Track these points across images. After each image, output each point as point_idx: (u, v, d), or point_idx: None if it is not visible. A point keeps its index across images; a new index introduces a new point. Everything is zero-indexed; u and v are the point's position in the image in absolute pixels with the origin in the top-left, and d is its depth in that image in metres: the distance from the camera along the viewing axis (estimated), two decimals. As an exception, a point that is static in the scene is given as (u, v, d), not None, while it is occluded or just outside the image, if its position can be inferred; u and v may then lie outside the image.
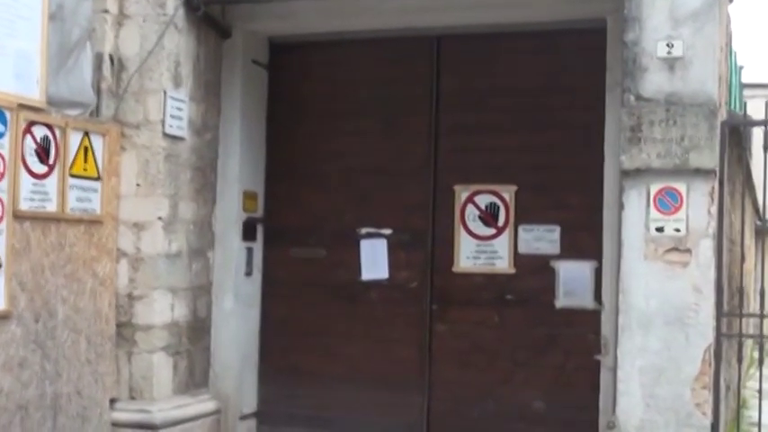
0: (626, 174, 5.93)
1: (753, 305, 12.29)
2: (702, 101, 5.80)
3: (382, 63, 7.59)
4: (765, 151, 6.11)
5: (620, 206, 5.97)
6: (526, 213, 7.17)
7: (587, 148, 6.86)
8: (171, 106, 6.85)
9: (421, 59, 7.47)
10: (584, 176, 6.89)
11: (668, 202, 5.83)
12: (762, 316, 6.05)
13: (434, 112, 7.42)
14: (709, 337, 5.78)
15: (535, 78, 7.19)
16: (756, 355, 8.34)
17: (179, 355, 7.03)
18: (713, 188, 5.79)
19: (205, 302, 7.37)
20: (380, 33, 7.50)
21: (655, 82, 5.90)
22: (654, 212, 5.86)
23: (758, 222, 14.63)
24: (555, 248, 7.08)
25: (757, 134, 6.67)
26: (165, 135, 6.82)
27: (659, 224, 5.84)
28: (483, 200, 7.29)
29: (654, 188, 5.86)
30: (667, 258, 5.81)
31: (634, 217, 5.90)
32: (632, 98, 5.92)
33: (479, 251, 7.27)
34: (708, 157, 5.76)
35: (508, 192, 7.22)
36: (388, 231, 7.47)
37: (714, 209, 5.80)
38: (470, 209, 7.30)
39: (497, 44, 7.32)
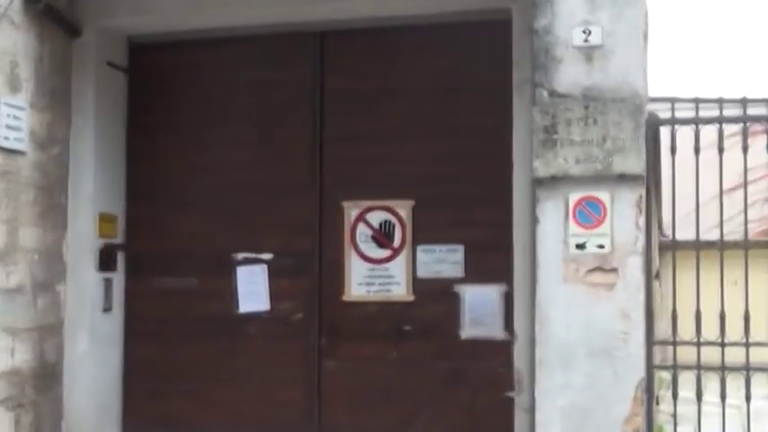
0: (540, 182, 5.09)
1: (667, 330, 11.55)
2: (626, 95, 5.00)
3: (259, 64, 6.66)
4: (697, 154, 5.33)
5: (534, 220, 5.13)
6: (425, 232, 6.32)
7: (495, 156, 6.03)
8: (6, 115, 5.82)
9: (302, 59, 6.57)
10: (491, 188, 6.07)
11: (589, 214, 5.01)
12: (699, 344, 5.25)
13: (319, 118, 6.51)
14: (641, 370, 4.97)
15: (433, 78, 6.34)
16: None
17: (22, 409, 5.96)
18: (641, 197, 4.99)
19: (55, 344, 6.31)
20: (256, 30, 6.57)
21: (571, 75, 5.08)
22: (573, 226, 5.03)
23: (662, 237, 13.99)
24: (459, 271, 6.24)
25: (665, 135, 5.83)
26: (0, 149, 5.76)
27: (580, 240, 5.01)
28: (376, 217, 6.40)
29: (573, 198, 5.04)
30: (590, 280, 4.99)
31: (550, 232, 5.07)
32: (545, 94, 5.09)
33: (373, 276, 6.37)
34: (634, 161, 4.95)
35: (404, 208, 6.34)
36: (268, 256, 6.52)
37: (642, 221, 4.99)
38: (362, 228, 6.41)
39: (390, 40, 6.47)
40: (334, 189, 6.44)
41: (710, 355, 5.23)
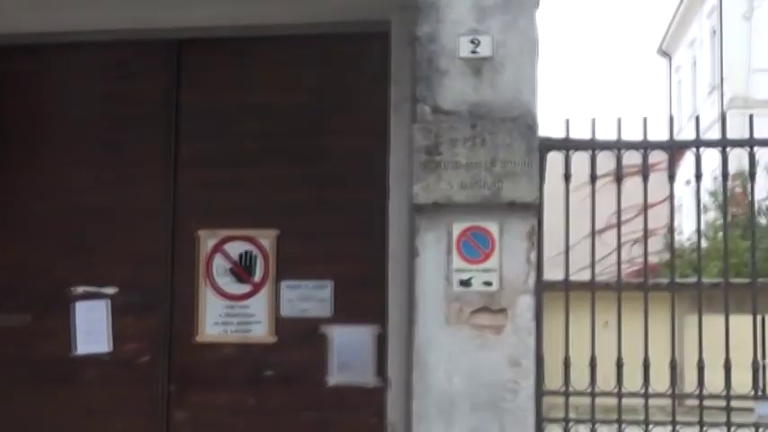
0: (420, 210, 4.49)
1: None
2: (517, 114, 4.46)
3: (108, 73, 5.90)
4: (593, 182, 4.83)
5: (413, 253, 4.53)
6: (290, 265, 5.63)
7: (369, 182, 5.42)
8: None
9: (157, 70, 5.83)
10: (365, 217, 5.45)
11: (476, 246, 4.44)
12: (593, 394, 4.71)
13: (174, 136, 5.78)
14: (530, 425, 4.38)
15: (303, 95, 5.69)
16: None
17: None
18: (533, 228, 4.45)
19: None
20: (105, 35, 5.80)
21: (457, 90, 4.52)
22: (457, 261, 4.45)
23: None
24: (326, 310, 5.56)
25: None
26: None
27: (465, 276, 4.43)
28: (235, 248, 5.70)
29: (457, 228, 4.46)
30: (476, 322, 4.41)
31: (431, 267, 4.47)
32: (428, 110, 4.51)
33: (230, 315, 5.66)
34: (526, 188, 4.41)
35: (267, 238, 5.65)
36: (111, 290, 5.73)
37: (534, 256, 4.44)
38: (219, 260, 5.69)
39: (255, 51, 5.80)
40: (188, 216, 5.71)
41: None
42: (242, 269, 5.68)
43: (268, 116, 5.70)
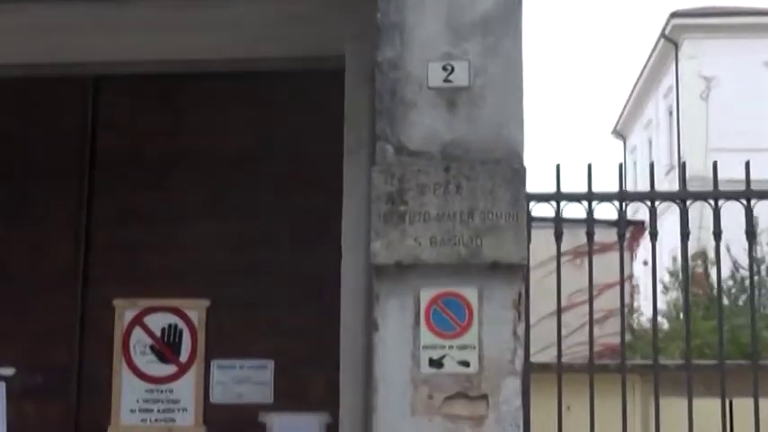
0: (381, 272, 3.63)
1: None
2: (501, 155, 3.64)
3: (10, 114, 5.00)
4: (558, 240, 4.03)
5: (371, 325, 3.65)
6: (223, 342, 4.74)
7: (319, 242, 4.60)
8: None
9: (68, 111, 4.96)
10: (313, 283, 4.60)
11: (449, 317, 3.59)
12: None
13: (88, 188, 4.90)
14: None
15: (241, 141, 4.86)
16: None
17: None
18: (520, 294, 3.59)
19: None
20: (7, 69, 4.93)
21: (426, 125, 3.69)
22: (427, 335, 3.58)
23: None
24: (267, 395, 4.67)
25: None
26: None
27: (436, 354, 3.56)
28: (158, 321, 4.80)
29: (426, 295, 3.60)
30: (450, 411, 3.53)
31: (394, 343, 3.60)
32: (390, 151, 3.68)
33: (152, 400, 4.75)
34: (511, 245, 3.57)
35: (196, 309, 4.77)
36: (8, 371, 4.79)
37: (522, 329, 3.58)
38: (138, 335, 4.79)
39: (186, 89, 4.97)
40: (103, 282, 4.80)
41: None
42: (166, 346, 4.78)
43: (200, 165, 4.86)
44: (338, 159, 4.50)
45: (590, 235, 3.98)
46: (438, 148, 3.67)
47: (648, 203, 3.92)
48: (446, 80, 3.68)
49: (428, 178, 3.61)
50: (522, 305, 3.58)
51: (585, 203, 3.90)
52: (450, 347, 3.57)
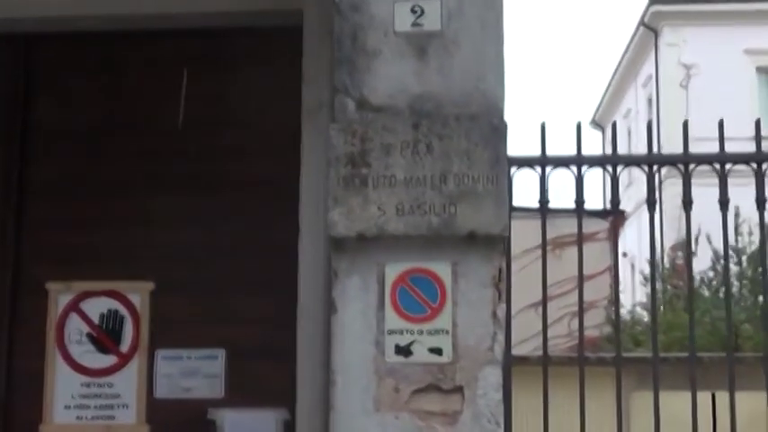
0: (340, 246, 3.15)
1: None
2: (478, 110, 3.16)
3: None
4: (543, 212, 3.53)
5: (329, 307, 3.16)
6: (169, 329, 4.22)
7: (275, 218, 4.11)
8: None
9: (-1, 73, 4.45)
10: (268, 264, 4.11)
11: (419, 298, 3.11)
12: None
13: (19, 159, 4.38)
14: None
15: (188, 107, 4.34)
16: None
17: None
18: (500, 270, 3.11)
19: None
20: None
21: (392, 77, 3.21)
22: (393, 318, 3.11)
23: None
24: (217, 389, 4.17)
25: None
26: None
27: (403, 340, 3.09)
28: (96, 307, 4.28)
29: (392, 272, 3.13)
30: (419, 406, 3.06)
31: (355, 327, 3.13)
32: (351, 105, 3.20)
33: (89, 395, 4.24)
34: (491, 213, 3.09)
35: (139, 293, 4.26)
36: (-74, 364, 4.28)
37: (503, 311, 3.10)
38: (74, 323, 4.28)
39: (130, 49, 4.46)
40: (34, 264, 4.28)
41: None
42: (105, 334, 4.27)
43: (145, 133, 4.35)
44: (297, 125, 4.00)
45: (579, 204, 3.49)
46: (406, 102, 3.19)
47: (646, 168, 3.43)
48: (415, 24, 3.20)
49: (394, 137, 3.13)
50: (504, 283, 3.10)
51: (575, 168, 3.40)
52: (420, 332, 3.10)
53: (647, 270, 22.38)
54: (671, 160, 3.59)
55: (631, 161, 3.59)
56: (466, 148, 3.10)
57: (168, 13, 4.32)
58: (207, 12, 4.30)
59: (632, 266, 28.09)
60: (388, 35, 3.22)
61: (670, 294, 17.69)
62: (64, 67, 4.47)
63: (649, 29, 27.86)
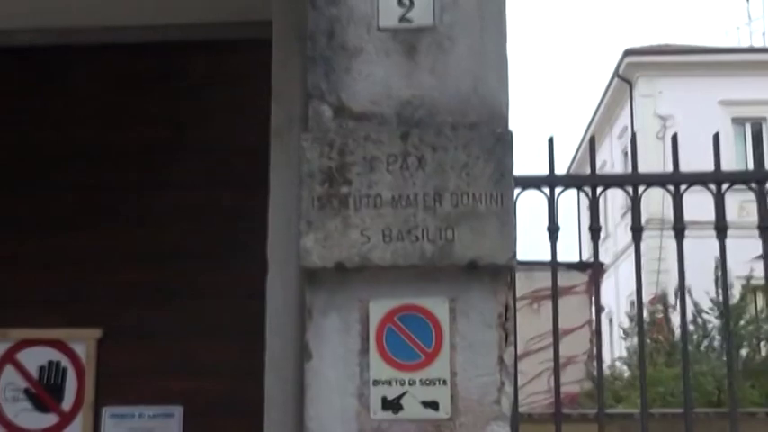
0: (315, 279, 2.62)
1: None
2: (478, 117, 2.66)
3: None
4: (553, 236, 3.04)
5: (303, 353, 2.63)
6: (118, 383, 3.68)
7: (244, 251, 3.59)
8: None
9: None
10: (236, 305, 3.58)
11: (410, 340, 2.59)
12: None
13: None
14: None
15: (143, 129, 3.85)
16: None
17: None
18: (507, 308, 2.60)
19: None
20: None
21: (377, 79, 2.71)
22: (379, 365, 2.58)
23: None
24: (172, 453, 3.59)
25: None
26: None
27: (392, 392, 2.55)
28: (35, 358, 3.74)
29: (378, 310, 2.60)
30: (411, 472, 2.50)
31: (333, 377, 2.59)
32: (328, 113, 2.69)
33: (25, 461, 3.65)
34: (496, 238, 2.58)
35: (84, 341, 3.73)
36: None
37: (511, 355, 2.58)
38: (9, 376, 3.75)
39: (71, 66, 3.96)
40: (-38, 308, 3.75)
41: None
42: (44, 390, 3.72)
43: (92, 161, 3.84)
44: (266, 147, 3.50)
45: (595, 231, 2.99)
46: (393, 108, 2.69)
47: (671, 188, 2.96)
48: (403, 18, 2.71)
49: (379, 149, 2.62)
50: (511, 322, 2.59)
51: (589, 189, 2.92)
52: (412, 383, 2.56)
53: (625, 324, 21.99)
54: (700, 178, 3.12)
55: (652, 180, 3.11)
56: (464, 161, 2.60)
57: (113, 25, 3.83)
58: (164, 24, 3.82)
59: (610, 321, 27.68)
60: (371, 31, 2.73)
61: (650, 348, 17.29)
62: (11, 84, 3.95)
63: (624, 80, 27.67)
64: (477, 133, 2.63)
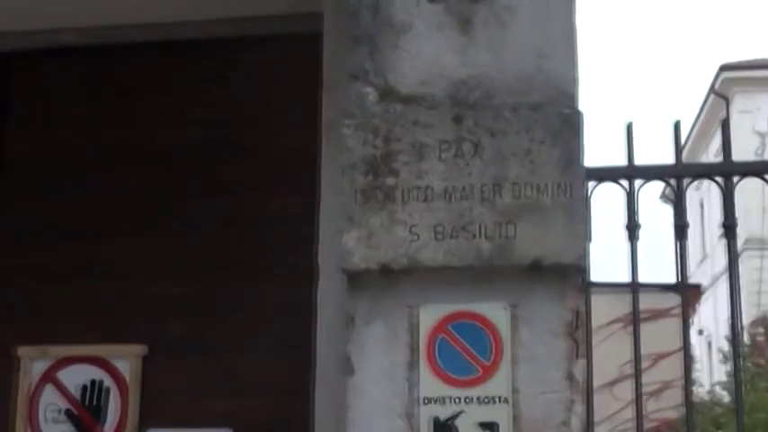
0: (358, 282, 2.33)
1: None
2: (542, 97, 2.34)
3: None
4: (632, 235, 2.68)
5: (345, 365, 2.32)
6: (164, 403, 3.43)
7: (294, 259, 3.31)
8: None
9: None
10: (285, 318, 3.33)
11: (465, 352, 2.27)
12: None
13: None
14: None
15: (189, 130, 3.62)
16: None
17: None
18: (578, 314, 2.25)
19: None
20: None
21: (426, 58, 2.42)
22: (431, 381, 2.27)
23: None
24: (222, 478, 3.36)
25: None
26: None
27: (445, 411, 2.24)
28: (76, 376, 3.51)
29: (429, 317, 2.29)
30: (467, 503, 2.17)
31: (376, 394, 2.30)
32: (373, 95, 2.40)
33: (66, 487, 3.44)
34: (563, 234, 2.25)
35: (128, 358, 3.49)
36: None
37: (581, 368, 2.23)
38: (50, 396, 3.53)
39: (117, 66, 3.74)
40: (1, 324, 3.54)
41: None
42: (86, 410, 3.49)
43: (134, 166, 3.62)
44: (310, 144, 3.23)
45: (680, 228, 2.63)
46: (445, 89, 2.38)
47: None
48: (457, -10, 2.40)
49: (430, 135, 2.32)
50: (582, 331, 2.24)
51: (674, 181, 2.56)
52: (468, 401, 2.24)
53: (725, 348, 21.29)
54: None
55: (749, 168, 2.74)
56: (527, 147, 2.28)
57: (160, 22, 3.61)
58: (209, 20, 3.57)
59: (709, 344, 26.90)
60: (420, 4, 2.42)
61: (752, 373, 16.74)
62: (40, 88, 3.77)
63: (720, 96, 26.90)
64: (540, 115, 2.30)
